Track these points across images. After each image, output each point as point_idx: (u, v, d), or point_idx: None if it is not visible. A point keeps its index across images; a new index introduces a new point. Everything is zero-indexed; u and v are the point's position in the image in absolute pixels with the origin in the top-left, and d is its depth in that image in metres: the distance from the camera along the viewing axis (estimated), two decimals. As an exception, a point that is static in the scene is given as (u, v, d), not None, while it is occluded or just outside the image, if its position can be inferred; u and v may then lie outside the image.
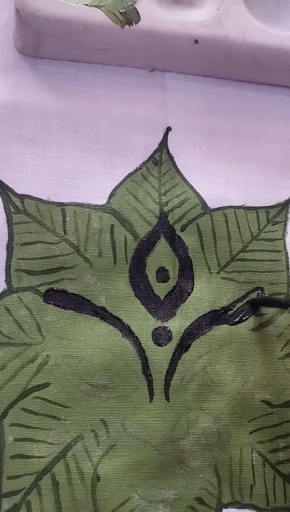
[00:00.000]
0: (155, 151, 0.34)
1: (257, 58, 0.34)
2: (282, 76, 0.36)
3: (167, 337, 0.31)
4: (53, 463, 0.28)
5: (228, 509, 0.30)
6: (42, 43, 0.32)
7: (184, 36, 0.32)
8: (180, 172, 0.34)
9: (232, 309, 0.32)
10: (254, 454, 0.31)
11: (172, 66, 0.34)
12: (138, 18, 0.31)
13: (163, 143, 0.34)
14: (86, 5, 0.31)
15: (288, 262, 0.34)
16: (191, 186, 0.34)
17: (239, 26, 0.33)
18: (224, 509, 0.30)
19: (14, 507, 0.27)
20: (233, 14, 0.33)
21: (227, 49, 0.33)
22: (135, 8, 0.32)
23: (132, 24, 0.31)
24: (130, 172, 0.33)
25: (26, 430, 0.28)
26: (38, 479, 0.28)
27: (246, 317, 0.32)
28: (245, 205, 0.34)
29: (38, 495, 0.27)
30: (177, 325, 0.31)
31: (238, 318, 0.32)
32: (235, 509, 0.30)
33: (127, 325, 0.31)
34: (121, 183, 0.33)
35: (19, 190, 0.31)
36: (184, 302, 0.32)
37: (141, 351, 0.30)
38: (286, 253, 0.34)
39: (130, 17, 0.31)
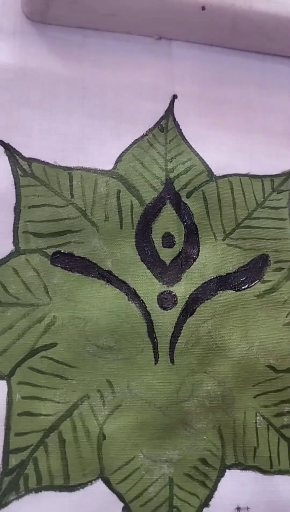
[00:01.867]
0: (162, 118, 0.34)
1: (263, 26, 0.34)
2: (288, 46, 0.36)
3: (173, 302, 0.31)
4: (60, 421, 0.28)
5: (232, 470, 0.30)
6: (50, 8, 0.32)
7: (191, 2, 0.32)
8: (186, 139, 0.34)
9: (237, 276, 0.33)
10: (258, 418, 0.31)
11: (179, 34, 0.35)
12: (146, -16, 0.32)
13: (169, 111, 0.34)
14: None
15: (293, 230, 0.34)
16: (197, 153, 0.34)
17: (246, -6, 0.33)
18: (227, 470, 0.30)
19: (21, 463, 0.27)
20: (240, -18, 0.33)
21: (234, 16, 0.33)
22: (143, -26, 0.32)
23: (140, -10, 0.31)
24: (136, 138, 0.33)
25: (33, 388, 0.28)
26: (45, 436, 0.28)
27: (252, 283, 0.33)
28: (250, 173, 0.34)
29: (45, 452, 0.28)
30: (182, 289, 0.32)
31: (244, 285, 0.32)
32: (238, 470, 0.30)
33: (133, 289, 0.31)
34: (127, 149, 0.33)
35: (27, 154, 0.31)
36: (189, 267, 0.32)
37: (146, 315, 0.31)
38: (291, 221, 0.34)
39: (138, -18, 0.31)
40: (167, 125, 0.34)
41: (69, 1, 0.31)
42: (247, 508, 0.29)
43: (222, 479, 0.30)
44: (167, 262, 0.32)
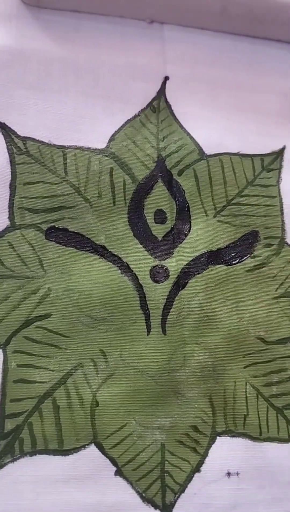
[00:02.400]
0: (153, 99, 0.35)
1: (253, 10, 0.35)
2: (277, 30, 0.37)
3: (165, 275, 0.32)
4: (54, 388, 0.29)
5: (222, 437, 0.31)
6: (44, -8, 0.33)
7: (181, -15, 0.33)
8: (177, 119, 0.35)
9: (228, 251, 0.33)
10: (248, 387, 0.32)
11: (171, 17, 0.36)
12: None
13: (161, 92, 0.35)
14: None
15: (282, 207, 0.35)
16: (188, 133, 0.35)
17: (235, -23, 0.34)
18: (218, 437, 0.31)
19: (17, 428, 0.28)
20: None
21: (224, 0, 0.34)
22: None
23: (131, -27, 0.32)
24: (129, 118, 0.34)
25: (28, 357, 0.29)
26: (39, 402, 0.29)
27: (243, 258, 0.34)
28: (241, 152, 0.35)
29: (39, 417, 0.29)
30: (174, 264, 0.32)
31: (235, 260, 0.33)
32: (228, 437, 0.31)
33: (126, 263, 0.32)
34: (120, 129, 0.34)
35: (22, 132, 0.32)
36: (181, 243, 0.33)
37: (139, 287, 0.32)
38: (281, 199, 0.35)
39: None
40: (159, 105, 0.35)
41: (62, -16, 0.32)
42: (237, 474, 0.30)
43: (213, 445, 0.31)
44: (159, 238, 0.33)
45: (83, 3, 0.34)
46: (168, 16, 0.36)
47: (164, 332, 0.32)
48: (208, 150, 0.35)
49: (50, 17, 0.34)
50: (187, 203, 0.34)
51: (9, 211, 0.31)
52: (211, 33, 0.37)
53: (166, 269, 0.32)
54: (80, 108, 0.33)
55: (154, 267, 0.32)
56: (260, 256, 0.34)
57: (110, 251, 0.32)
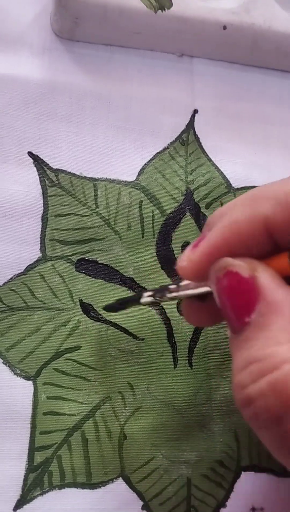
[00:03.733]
0: (183, 132, 0.35)
1: (282, 45, 0.36)
2: (305, 64, 0.37)
3: (192, 308, 0.32)
4: (83, 421, 0.30)
5: (247, 472, 0.31)
6: (78, 27, 0.33)
7: (213, 22, 0.34)
8: (205, 152, 0.35)
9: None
10: (272, 422, 0.32)
11: (200, 51, 0.36)
12: (170, 4, 0.33)
13: (190, 125, 0.35)
14: (122, -10, 0.33)
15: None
16: (216, 166, 0.35)
17: (266, 14, 0.35)
18: (243, 472, 0.31)
19: (46, 461, 0.29)
20: (260, 3, 0.35)
21: (254, 36, 0.35)
22: (167, -5, 0.33)
23: (164, 10, 0.33)
24: (158, 151, 0.35)
25: (58, 389, 0.30)
26: (68, 435, 0.29)
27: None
28: (267, 186, 0.36)
29: (68, 450, 0.29)
30: (200, 297, 0.33)
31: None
32: (253, 473, 0.31)
33: (154, 296, 0.32)
34: (149, 161, 0.34)
35: (54, 165, 0.33)
36: (207, 276, 0.33)
37: (166, 320, 0.32)
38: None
39: (163, 3, 0.33)
40: (187, 138, 0.35)
41: (96, 20, 0.33)
42: (262, 509, 0.31)
43: (238, 480, 0.31)
44: (187, 270, 0.33)
45: (115, 37, 0.35)
46: (198, 50, 0.36)
47: (190, 365, 0.32)
48: (235, 184, 0.35)
49: (83, 51, 0.35)
50: (214, 236, 0.34)
51: (40, 243, 0.31)
52: (239, 67, 0.37)
53: (193, 302, 0.33)
54: (111, 141, 0.34)
55: (181, 300, 0.33)
56: None
57: (138, 283, 0.32)
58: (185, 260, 0.23)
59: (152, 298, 0.26)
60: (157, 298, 0.26)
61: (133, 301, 0.28)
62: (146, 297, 0.27)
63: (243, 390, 0.20)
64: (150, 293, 0.26)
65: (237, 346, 0.21)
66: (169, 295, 0.26)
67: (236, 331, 0.21)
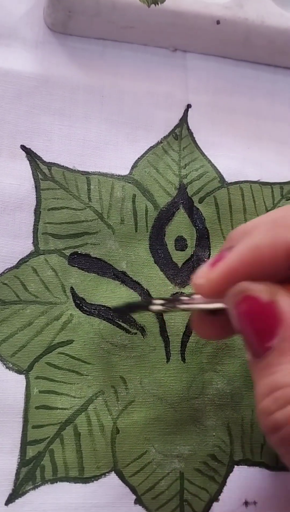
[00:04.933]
0: (176, 127, 0.35)
1: (275, 40, 0.36)
2: (298, 60, 0.37)
3: (184, 303, 0.32)
4: (75, 415, 0.29)
5: (240, 466, 0.31)
6: (71, 20, 0.33)
7: (206, 16, 0.34)
8: (199, 147, 0.35)
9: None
10: (265, 416, 0.32)
11: (194, 46, 0.36)
12: (163, -2, 0.33)
13: (184, 119, 0.35)
14: (115, -16, 0.33)
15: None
16: (209, 160, 0.35)
17: (259, 9, 0.35)
18: (235, 466, 0.31)
19: (38, 455, 0.28)
20: (254, -2, 0.35)
21: (247, 31, 0.35)
22: (161, -11, 0.33)
23: (158, 4, 0.33)
24: (151, 145, 0.35)
25: (51, 383, 0.30)
26: (61, 429, 0.29)
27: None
28: (260, 181, 0.36)
29: (60, 444, 0.29)
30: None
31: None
32: (246, 466, 0.31)
33: (146, 290, 0.32)
34: (143, 156, 0.34)
35: (47, 158, 0.32)
36: (201, 270, 0.33)
37: (159, 314, 0.32)
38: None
39: (156, -4, 0.33)
40: (181, 133, 0.35)
41: (89, 14, 0.33)
42: (255, 503, 0.31)
43: (231, 474, 0.31)
44: (180, 265, 0.33)
45: (108, 31, 0.34)
46: (191, 44, 0.36)
47: (183, 359, 0.32)
48: (228, 178, 0.35)
49: (76, 44, 0.35)
50: (207, 230, 0.34)
51: (33, 237, 0.31)
52: (232, 62, 0.37)
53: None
54: (104, 135, 0.34)
55: (173, 294, 0.33)
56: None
57: (131, 278, 0.32)
58: (202, 277, 0.23)
59: (162, 307, 0.26)
60: (168, 307, 0.26)
61: (143, 307, 0.28)
62: (156, 305, 0.26)
63: (270, 417, 0.20)
64: (161, 301, 0.26)
65: (260, 371, 0.21)
66: (180, 306, 0.25)
67: (257, 356, 0.21)
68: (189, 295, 0.25)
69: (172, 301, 0.26)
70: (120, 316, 0.31)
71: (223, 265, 0.22)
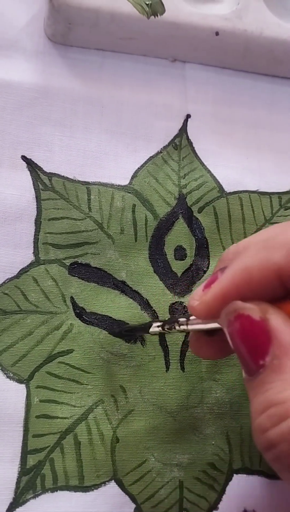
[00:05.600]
0: (175, 137, 0.35)
1: (273, 51, 0.36)
2: (296, 70, 0.38)
3: (183, 312, 0.33)
4: (76, 424, 0.30)
5: (239, 474, 0.31)
6: (71, 31, 0.33)
7: (205, 28, 0.34)
8: (198, 157, 0.36)
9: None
10: (264, 424, 0.32)
11: (193, 57, 0.36)
12: (163, 10, 0.33)
13: (183, 129, 0.36)
14: (115, -4, 0.33)
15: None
16: (209, 170, 0.35)
17: (258, 21, 0.35)
18: (235, 475, 0.31)
19: (39, 464, 0.29)
20: (252, 9, 0.35)
21: (246, 42, 0.35)
22: (160, 1, 0.33)
23: (157, 15, 0.33)
24: (151, 155, 0.35)
25: (51, 392, 0.30)
26: (61, 438, 0.29)
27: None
28: (259, 190, 0.36)
29: (61, 453, 0.29)
30: (193, 300, 0.33)
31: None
32: (245, 475, 0.31)
33: (146, 299, 0.32)
34: (142, 166, 0.34)
35: (48, 168, 0.33)
36: (200, 279, 0.34)
37: (158, 324, 0.32)
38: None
39: (155, 8, 0.33)
40: (180, 143, 0.35)
41: (89, 25, 0.33)
42: (254, 511, 0.31)
43: (230, 483, 0.31)
44: (179, 274, 0.33)
45: (107, 42, 0.35)
46: (191, 55, 0.36)
47: (182, 368, 0.32)
48: (228, 188, 0.36)
49: (76, 55, 0.35)
50: (206, 240, 0.34)
51: (34, 246, 0.32)
52: (231, 72, 0.38)
53: (185, 306, 0.33)
54: (104, 145, 0.34)
55: (173, 303, 0.33)
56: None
57: (130, 287, 0.33)
58: (197, 299, 0.24)
59: (160, 329, 0.27)
60: (166, 330, 0.27)
61: (142, 330, 0.29)
62: (155, 327, 0.28)
63: (264, 434, 0.20)
64: (159, 323, 0.27)
65: (254, 389, 0.21)
66: (178, 328, 0.26)
67: (251, 374, 0.21)
68: (187, 317, 0.26)
69: (170, 323, 0.27)
70: (121, 337, 0.31)
71: (216, 287, 0.23)
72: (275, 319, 0.21)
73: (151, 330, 0.28)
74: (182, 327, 0.26)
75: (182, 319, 0.26)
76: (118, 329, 0.31)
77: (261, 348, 0.21)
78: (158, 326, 0.27)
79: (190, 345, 0.28)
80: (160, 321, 0.27)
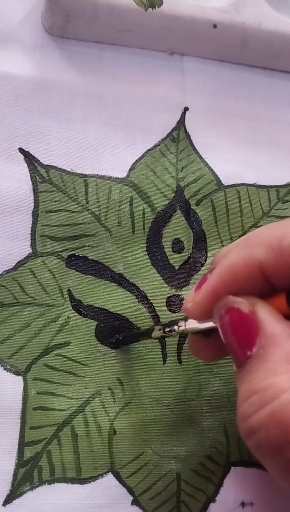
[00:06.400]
0: (173, 129, 0.35)
1: (271, 44, 0.36)
2: (295, 63, 0.38)
3: (180, 305, 0.33)
4: (73, 416, 0.30)
5: (236, 467, 0.31)
6: (69, 24, 0.33)
7: (203, 20, 0.34)
8: (196, 149, 0.35)
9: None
10: (261, 417, 0.32)
11: (191, 50, 0.36)
12: (161, 2, 0.33)
13: (181, 122, 0.36)
14: (113, -12, 0.33)
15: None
16: (207, 163, 0.35)
17: (256, 13, 0.35)
18: (232, 467, 0.31)
19: (36, 456, 0.29)
20: (250, 2, 0.35)
21: (243, 35, 0.35)
22: (158, -7, 0.33)
23: (155, 8, 0.33)
24: (149, 148, 0.35)
25: (48, 384, 0.30)
26: (58, 430, 0.29)
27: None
28: (257, 184, 0.36)
29: (58, 445, 0.29)
30: (190, 293, 0.33)
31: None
32: (242, 467, 0.31)
33: (143, 292, 0.32)
34: (140, 158, 0.34)
35: (45, 161, 0.33)
36: (197, 272, 0.34)
37: (155, 317, 0.32)
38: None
39: (153, 1, 0.33)
40: (178, 135, 0.35)
41: (87, 17, 0.33)
42: (251, 504, 0.31)
43: (227, 475, 0.31)
44: (176, 267, 0.33)
45: (106, 35, 0.35)
46: (188, 48, 0.36)
47: (179, 361, 0.32)
48: (225, 181, 0.35)
49: (74, 48, 0.35)
50: (204, 232, 0.34)
51: (31, 239, 0.31)
52: (229, 66, 0.38)
53: (182, 298, 0.33)
54: (102, 138, 0.34)
55: (170, 296, 0.33)
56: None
57: (128, 280, 0.32)
58: (189, 301, 0.25)
59: (162, 332, 0.28)
60: (167, 333, 0.28)
61: (145, 335, 0.30)
62: (157, 331, 0.28)
63: (246, 421, 0.21)
64: (160, 327, 0.28)
65: (240, 379, 0.22)
66: (177, 329, 0.27)
67: (240, 365, 0.22)
68: (185, 319, 0.27)
69: (170, 325, 0.28)
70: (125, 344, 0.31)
71: (205, 287, 0.24)
72: (263, 312, 0.22)
73: (153, 334, 0.29)
74: (181, 328, 0.27)
75: (181, 322, 0.27)
76: (121, 335, 0.31)
77: (249, 340, 0.21)
78: (159, 330, 0.28)
79: (189, 348, 0.29)
80: (161, 325, 0.28)
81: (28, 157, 0.32)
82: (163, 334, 0.28)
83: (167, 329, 0.28)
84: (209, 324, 0.25)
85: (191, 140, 0.36)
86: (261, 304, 0.22)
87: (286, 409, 0.19)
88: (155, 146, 0.35)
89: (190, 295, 0.25)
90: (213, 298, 0.23)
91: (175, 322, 0.28)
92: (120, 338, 0.31)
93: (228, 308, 0.23)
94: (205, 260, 0.34)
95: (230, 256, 0.24)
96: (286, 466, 0.20)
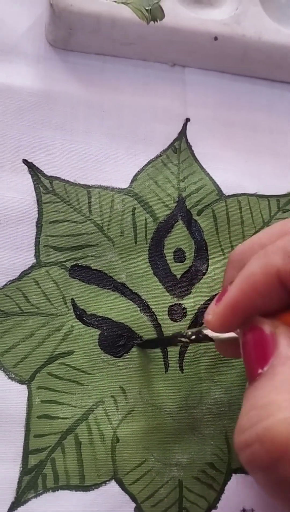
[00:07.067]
0: (175, 140, 0.36)
1: (271, 56, 0.36)
2: (295, 74, 0.38)
3: (182, 314, 0.33)
4: (76, 424, 0.30)
5: (237, 474, 0.32)
6: (72, 37, 0.34)
7: (204, 33, 0.35)
8: (197, 160, 0.36)
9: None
10: (262, 425, 0.33)
11: (192, 61, 0.37)
12: (162, 15, 0.34)
13: (182, 133, 0.36)
14: (115, 1, 0.33)
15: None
16: (208, 173, 0.36)
17: (256, 26, 0.35)
18: (233, 474, 0.32)
19: (40, 464, 0.29)
20: (251, 14, 0.36)
21: (244, 47, 0.36)
22: (160, 6, 0.34)
23: (156, 21, 0.34)
24: (151, 158, 0.35)
25: (52, 393, 0.30)
26: (62, 438, 0.30)
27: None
28: (258, 193, 0.36)
29: (62, 453, 0.29)
30: (191, 302, 0.33)
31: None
32: (243, 474, 0.32)
33: (145, 301, 0.33)
34: (142, 169, 0.35)
35: (49, 172, 0.33)
36: (199, 281, 0.34)
37: (157, 326, 0.33)
38: (295, 239, 0.36)
39: (155, 14, 0.34)
40: (180, 146, 0.36)
41: (90, 31, 0.34)
42: (252, 510, 0.31)
43: (229, 482, 0.31)
44: (178, 276, 0.34)
45: (108, 47, 0.35)
46: (190, 60, 0.37)
47: (181, 369, 0.32)
48: (226, 191, 0.36)
49: (77, 60, 0.35)
50: (205, 242, 0.35)
51: (35, 249, 0.32)
52: (230, 77, 0.38)
53: (184, 307, 0.33)
54: (104, 149, 0.35)
55: (172, 305, 0.33)
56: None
57: (130, 289, 0.33)
58: (211, 314, 0.25)
59: (185, 339, 0.29)
60: (190, 340, 0.28)
61: (168, 342, 0.32)
62: (186, 337, 0.29)
63: (240, 435, 0.21)
64: (182, 333, 0.29)
65: (247, 394, 0.22)
66: (206, 333, 0.28)
67: (251, 381, 0.23)
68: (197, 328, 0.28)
69: (195, 333, 0.28)
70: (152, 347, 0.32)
71: (226, 299, 0.24)
72: (283, 334, 0.23)
73: (182, 339, 0.29)
74: (206, 332, 0.27)
75: (205, 330, 0.28)
76: (144, 340, 0.32)
77: (264, 358, 0.22)
78: (182, 336, 0.29)
79: (215, 347, 0.30)
80: (190, 331, 0.29)
81: (32, 169, 0.33)
82: (186, 341, 0.29)
83: (193, 337, 0.28)
84: (230, 335, 0.26)
85: (193, 151, 0.36)
86: (283, 328, 0.23)
87: (279, 426, 0.20)
88: (157, 156, 0.35)
89: (211, 307, 0.25)
90: (234, 310, 0.24)
91: (199, 330, 0.28)
92: (141, 342, 0.32)
93: (252, 326, 0.23)
94: (207, 270, 0.34)
95: (249, 266, 0.24)
96: (277, 483, 0.20)
